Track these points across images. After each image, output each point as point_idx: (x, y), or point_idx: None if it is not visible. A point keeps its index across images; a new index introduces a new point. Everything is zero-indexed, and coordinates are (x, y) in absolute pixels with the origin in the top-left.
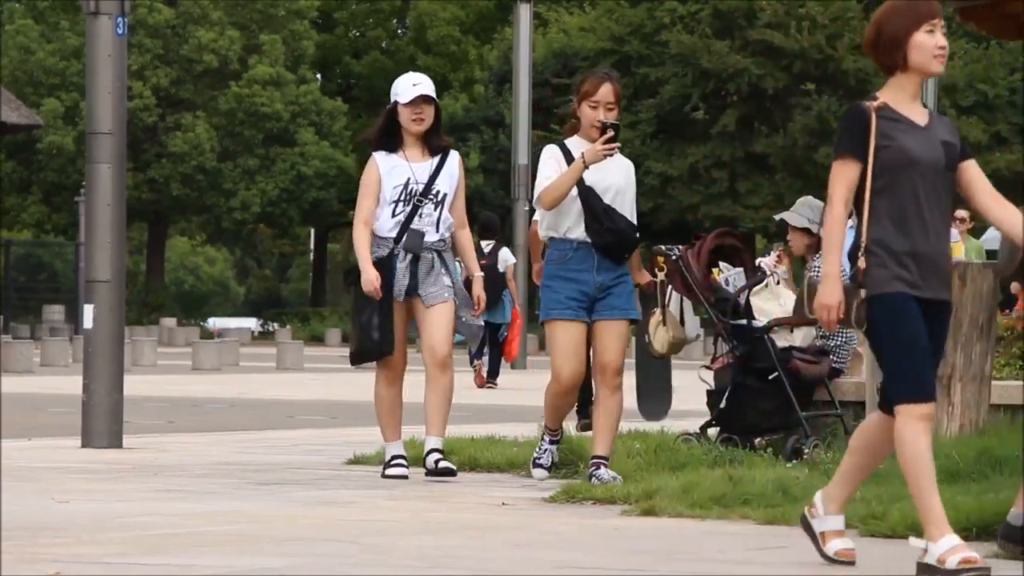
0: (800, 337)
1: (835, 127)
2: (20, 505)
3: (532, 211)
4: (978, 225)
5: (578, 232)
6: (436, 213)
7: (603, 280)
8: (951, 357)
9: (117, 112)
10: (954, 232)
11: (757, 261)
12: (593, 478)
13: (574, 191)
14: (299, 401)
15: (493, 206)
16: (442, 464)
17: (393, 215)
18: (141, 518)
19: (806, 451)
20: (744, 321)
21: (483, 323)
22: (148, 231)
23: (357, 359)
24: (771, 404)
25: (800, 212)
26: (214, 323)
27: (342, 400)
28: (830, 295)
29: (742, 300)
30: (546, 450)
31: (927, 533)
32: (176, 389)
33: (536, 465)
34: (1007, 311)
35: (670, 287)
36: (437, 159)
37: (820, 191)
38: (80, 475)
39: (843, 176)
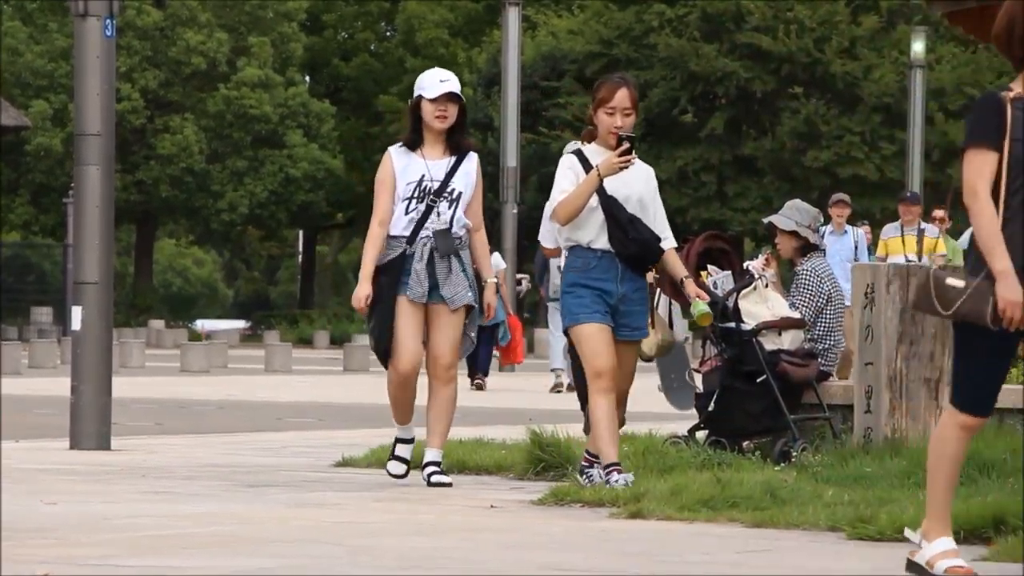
0: (788, 340)
1: (823, 129)
2: (8, 506)
3: (519, 213)
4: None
5: (601, 242)
6: (451, 212)
7: (625, 291)
8: (941, 361)
9: (105, 114)
10: (934, 229)
11: (745, 264)
12: (609, 485)
13: (595, 201)
14: (287, 403)
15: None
16: (435, 479)
17: (407, 212)
18: (129, 520)
19: (794, 454)
20: (732, 324)
21: (475, 339)
22: (136, 233)
23: (381, 360)
24: (759, 407)
25: (788, 215)
26: (202, 325)
27: (330, 402)
28: (1014, 292)
29: (730, 303)
30: (588, 475)
31: (925, 528)
32: (164, 391)
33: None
34: None
35: (659, 290)
36: (455, 158)
37: (808, 194)
38: (68, 477)
39: (981, 167)
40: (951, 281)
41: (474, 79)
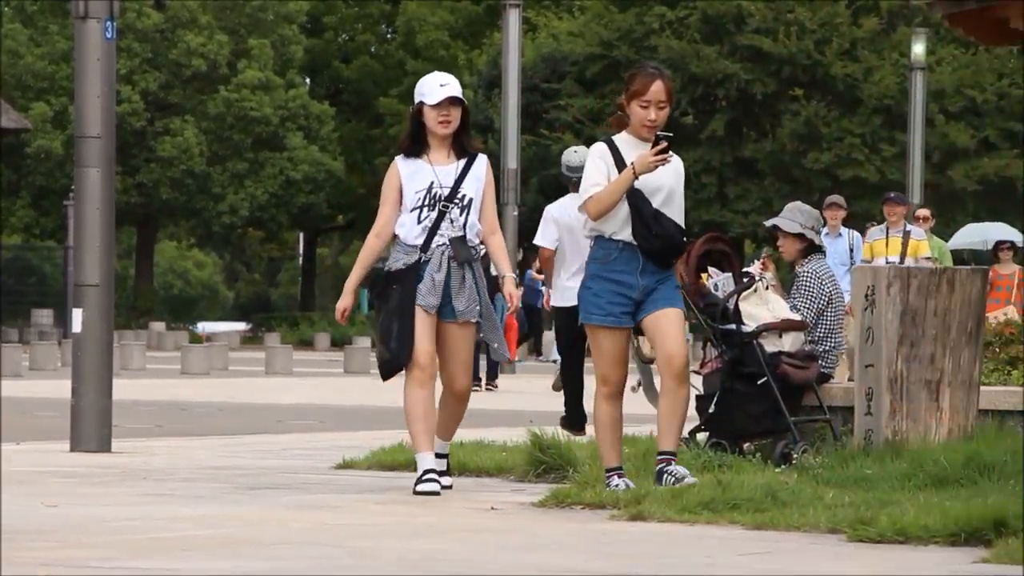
0: (789, 342)
1: (824, 131)
2: (9, 508)
3: (519, 215)
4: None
5: (624, 234)
6: (463, 218)
7: (647, 283)
8: (939, 362)
9: (106, 116)
10: (919, 230)
11: (744, 268)
12: (665, 475)
13: None
14: (288, 405)
15: None
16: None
17: (419, 221)
18: (129, 522)
19: (795, 456)
20: (733, 326)
21: (509, 356)
22: (137, 235)
23: (382, 372)
24: (760, 409)
25: (791, 217)
26: (203, 327)
27: (331, 404)
28: None
29: (731, 305)
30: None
31: None
32: (165, 393)
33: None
34: None
35: None
36: (463, 162)
37: (808, 196)
38: (69, 479)
39: None
40: None
41: (474, 81)
